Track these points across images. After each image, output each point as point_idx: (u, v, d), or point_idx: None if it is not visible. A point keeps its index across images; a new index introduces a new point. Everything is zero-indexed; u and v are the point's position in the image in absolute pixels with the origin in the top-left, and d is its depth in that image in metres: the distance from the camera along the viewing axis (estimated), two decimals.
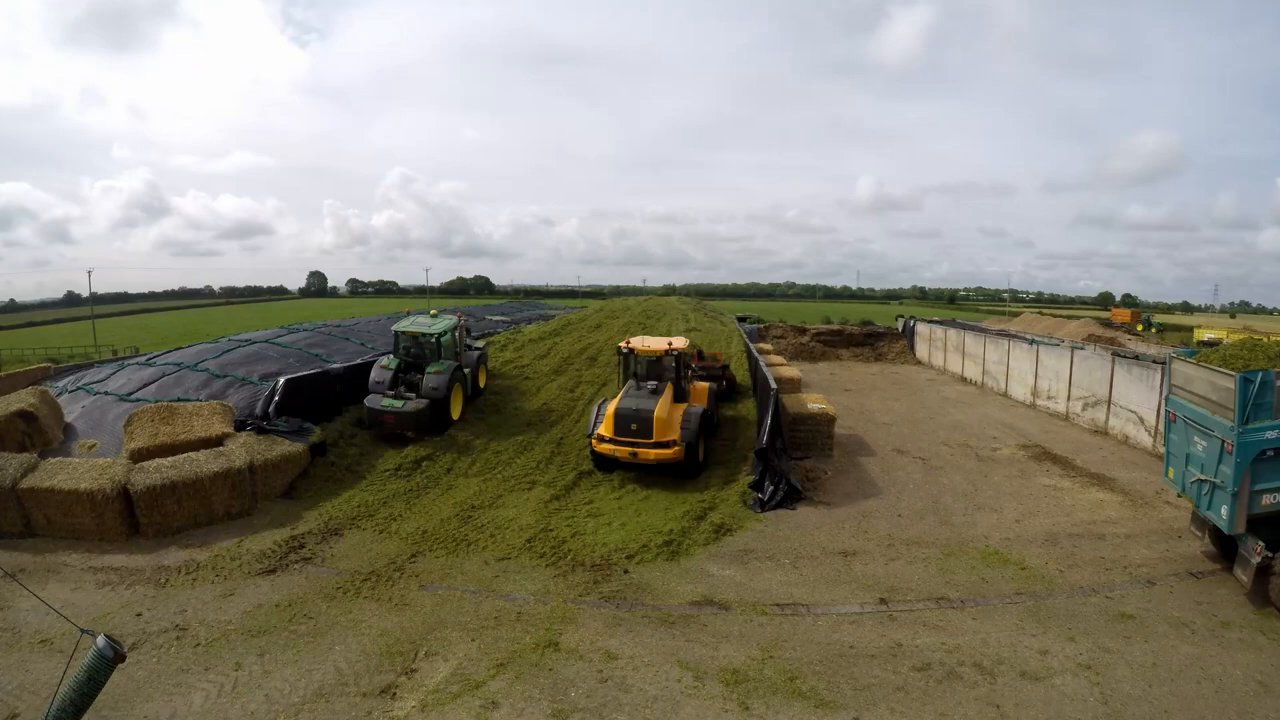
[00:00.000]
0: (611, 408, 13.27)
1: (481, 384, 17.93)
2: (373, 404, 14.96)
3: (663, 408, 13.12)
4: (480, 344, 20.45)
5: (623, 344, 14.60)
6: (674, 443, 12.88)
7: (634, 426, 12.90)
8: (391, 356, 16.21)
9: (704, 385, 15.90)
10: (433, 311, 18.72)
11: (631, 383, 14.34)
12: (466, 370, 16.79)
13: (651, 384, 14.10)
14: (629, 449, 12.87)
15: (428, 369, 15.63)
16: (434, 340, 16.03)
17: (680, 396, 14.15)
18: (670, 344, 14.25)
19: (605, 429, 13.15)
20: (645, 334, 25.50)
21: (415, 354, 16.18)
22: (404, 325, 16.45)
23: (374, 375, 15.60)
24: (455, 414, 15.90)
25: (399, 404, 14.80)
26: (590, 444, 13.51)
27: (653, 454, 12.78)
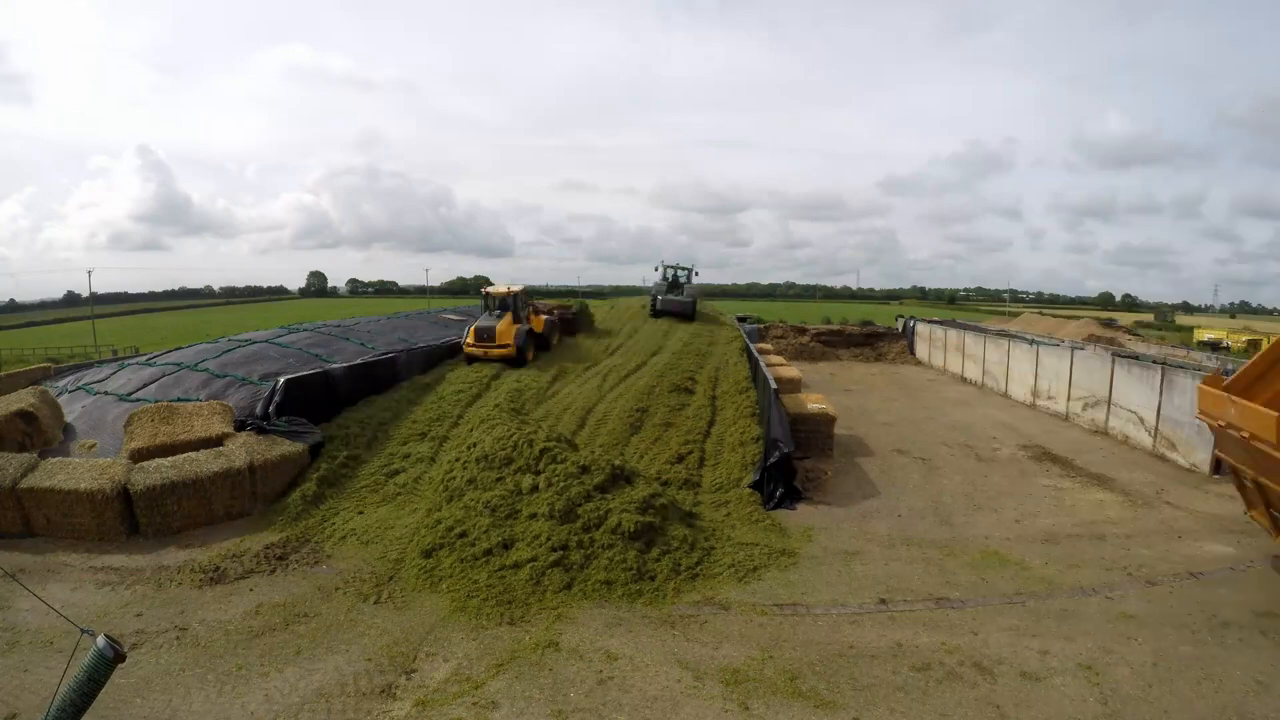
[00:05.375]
0: (473, 326, 20.44)
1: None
2: (663, 299, 27.54)
3: (503, 326, 20.29)
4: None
5: (484, 289, 22.88)
6: (508, 345, 19.95)
7: (485, 336, 19.97)
8: (662, 281, 28.80)
9: (543, 318, 23.45)
10: (678, 263, 30.03)
11: (486, 313, 21.57)
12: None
13: (497, 313, 21.09)
14: (483, 349, 19.91)
15: (685, 288, 27.75)
16: (684, 273, 29.40)
17: (517, 320, 21.01)
18: (509, 288, 21.85)
19: (469, 339, 20.10)
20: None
21: (673, 279, 29.19)
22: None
23: (655, 285, 29.84)
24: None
25: (677, 296, 26.17)
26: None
27: (496, 352, 19.76)
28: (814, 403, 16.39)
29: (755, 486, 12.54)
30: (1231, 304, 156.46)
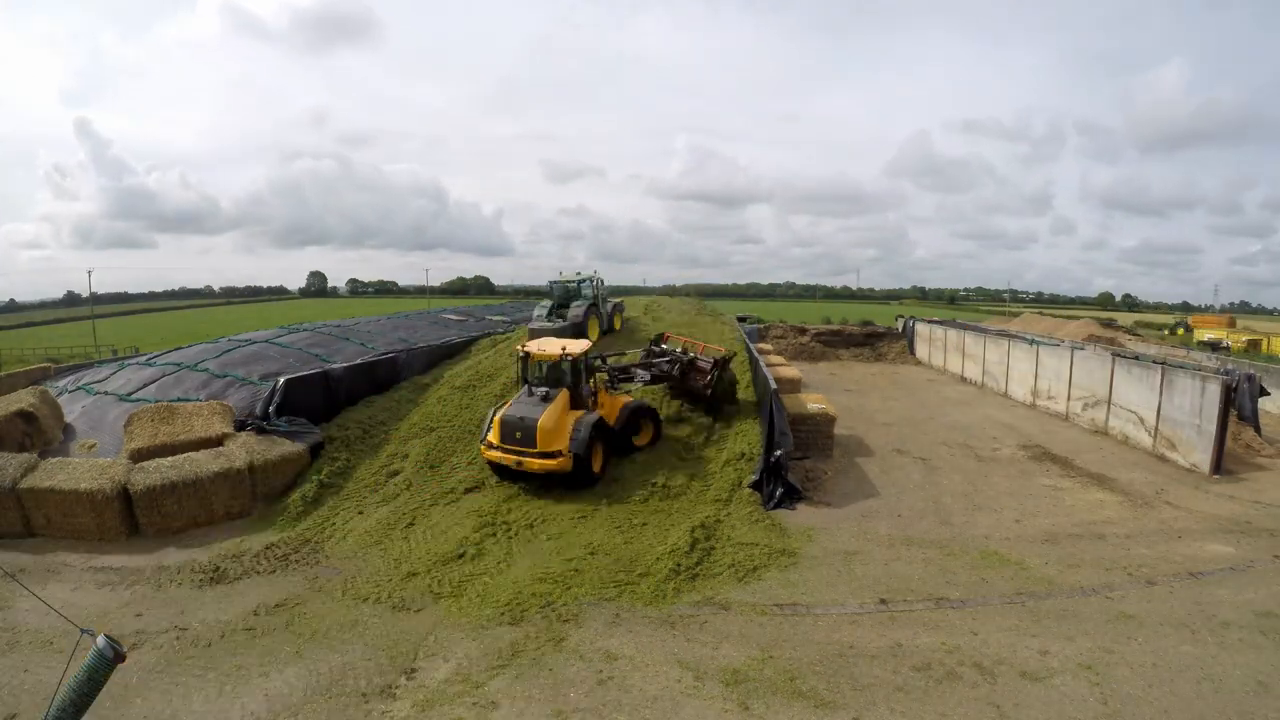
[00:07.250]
0: (499, 415, 12.73)
1: (616, 326, 23.44)
2: (538, 325, 20.19)
3: (550, 416, 12.39)
4: (620, 300, 26.19)
5: (519, 346, 13.99)
6: (559, 453, 12.19)
7: (519, 435, 12.28)
8: (547, 301, 22.70)
9: (621, 399, 14.49)
10: (578, 272, 24.84)
11: (525, 388, 13.50)
12: (604, 312, 22.48)
13: (543, 390, 13.07)
14: (515, 457, 12.28)
15: (572, 304, 21.67)
16: (575, 286, 22.61)
17: (578, 404, 13.27)
18: (565, 348, 13.30)
19: (493, 436, 12.67)
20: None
21: (562, 296, 22.43)
22: (557, 279, 23.45)
23: (535, 311, 22.30)
24: (592, 336, 20.37)
25: (553, 324, 20.28)
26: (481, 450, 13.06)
27: (537, 464, 12.16)
28: (814, 403, 16.39)
29: (755, 486, 12.54)
30: (1231, 304, 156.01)
